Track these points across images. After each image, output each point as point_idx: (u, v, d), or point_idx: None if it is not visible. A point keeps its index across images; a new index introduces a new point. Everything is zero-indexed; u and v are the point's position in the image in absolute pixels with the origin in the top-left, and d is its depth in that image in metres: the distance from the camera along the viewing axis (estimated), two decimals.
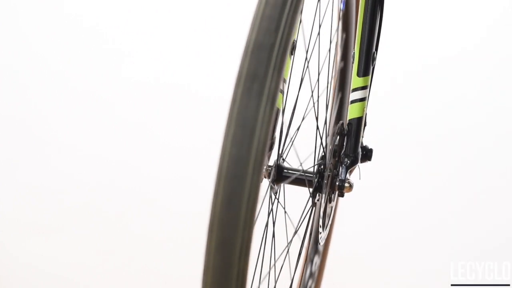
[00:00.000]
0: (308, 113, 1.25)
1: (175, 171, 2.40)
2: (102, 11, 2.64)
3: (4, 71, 2.55)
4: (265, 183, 1.17)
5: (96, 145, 2.44)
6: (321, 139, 1.23)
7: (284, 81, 1.16)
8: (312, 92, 1.22)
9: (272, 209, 1.18)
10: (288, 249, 1.24)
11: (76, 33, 2.60)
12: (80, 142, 2.44)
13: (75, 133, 2.46)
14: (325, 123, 1.28)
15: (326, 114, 1.34)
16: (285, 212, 1.23)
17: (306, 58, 1.19)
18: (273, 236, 1.19)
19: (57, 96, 2.51)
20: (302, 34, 1.14)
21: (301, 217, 1.23)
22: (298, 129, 1.22)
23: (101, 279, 2.13)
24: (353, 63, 1.25)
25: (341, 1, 1.39)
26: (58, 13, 2.62)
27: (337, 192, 1.26)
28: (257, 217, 0.81)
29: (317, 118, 1.21)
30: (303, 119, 1.24)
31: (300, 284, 1.51)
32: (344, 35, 1.42)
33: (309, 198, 1.21)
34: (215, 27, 2.61)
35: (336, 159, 1.25)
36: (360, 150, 1.29)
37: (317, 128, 1.21)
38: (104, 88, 2.54)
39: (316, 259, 1.54)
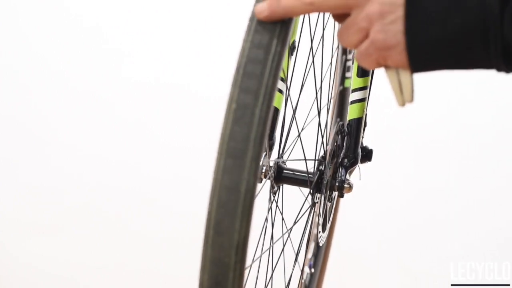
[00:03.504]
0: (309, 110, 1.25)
1: (175, 171, 2.40)
2: (102, 11, 2.64)
3: (4, 71, 2.55)
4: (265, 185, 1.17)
5: (96, 145, 2.44)
6: (322, 138, 1.23)
7: (284, 80, 1.15)
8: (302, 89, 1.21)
9: (271, 209, 1.18)
10: (283, 249, 1.24)
11: (76, 33, 2.59)
12: (80, 142, 2.44)
13: (75, 133, 2.46)
14: (326, 124, 1.28)
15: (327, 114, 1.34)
16: (282, 218, 1.23)
17: (309, 58, 1.19)
18: (272, 238, 1.19)
19: (57, 96, 2.51)
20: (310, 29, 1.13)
21: (298, 217, 1.23)
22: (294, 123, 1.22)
23: (101, 279, 2.13)
24: (352, 63, 1.24)
25: None
26: (58, 13, 2.62)
27: (336, 193, 1.26)
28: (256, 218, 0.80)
29: (319, 113, 1.20)
30: (305, 123, 1.23)
31: (301, 285, 1.51)
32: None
33: (307, 198, 1.21)
34: (215, 27, 2.61)
35: (336, 159, 1.24)
36: (360, 150, 1.29)
37: (319, 124, 1.21)
38: (104, 88, 2.54)
39: (317, 260, 1.53)
